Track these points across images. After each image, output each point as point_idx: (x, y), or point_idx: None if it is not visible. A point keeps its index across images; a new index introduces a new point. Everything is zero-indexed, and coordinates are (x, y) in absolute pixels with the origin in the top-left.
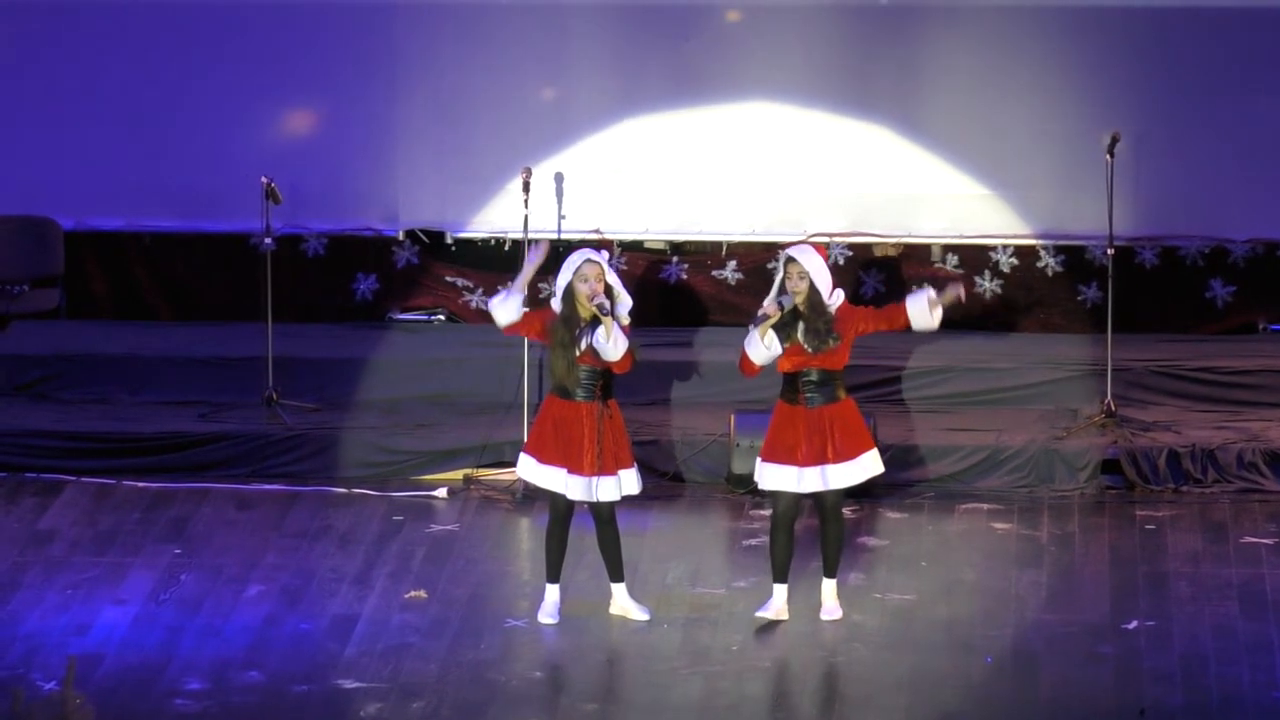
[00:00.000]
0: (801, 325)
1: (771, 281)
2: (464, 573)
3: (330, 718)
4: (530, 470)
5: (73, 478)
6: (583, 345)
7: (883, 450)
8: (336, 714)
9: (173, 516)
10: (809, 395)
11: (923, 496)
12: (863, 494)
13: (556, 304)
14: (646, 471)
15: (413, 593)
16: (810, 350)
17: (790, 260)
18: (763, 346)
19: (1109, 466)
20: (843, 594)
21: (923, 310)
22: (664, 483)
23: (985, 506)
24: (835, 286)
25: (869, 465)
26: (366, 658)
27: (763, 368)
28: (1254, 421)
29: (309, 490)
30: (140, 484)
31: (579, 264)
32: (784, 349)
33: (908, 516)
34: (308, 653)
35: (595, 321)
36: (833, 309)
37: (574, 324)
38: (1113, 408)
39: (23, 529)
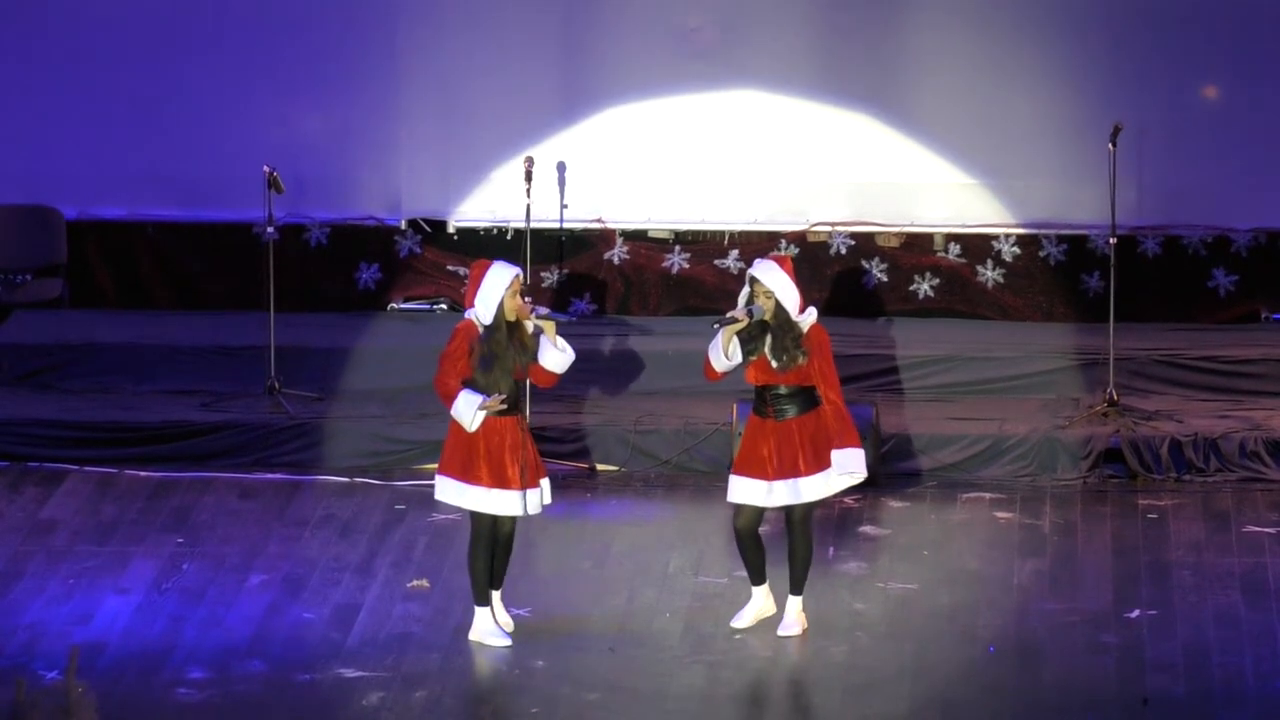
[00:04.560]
0: (769, 340)
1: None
2: (466, 562)
3: (333, 707)
4: (458, 494)
5: (75, 467)
6: (527, 358)
7: (884, 440)
8: (339, 703)
9: (175, 506)
10: (778, 409)
11: (925, 485)
12: (865, 483)
13: (480, 317)
14: (649, 460)
15: (415, 582)
16: (777, 367)
17: (753, 280)
18: (723, 355)
19: (1111, 456)
20: (846, 582)
21: (846, 465)
22: (666, 472)
23: (988, 495)
24: (807, 305)
25: (841, 477)
26: (369, 647)
27: (725, 374)
28: (1256, 410)
29: (311, 479)
30: (142, 473)
31: (509, 278)
32: (751, 361)
33: (910, 505)
34: (310, 642)
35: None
36: (804, 324)
37: (502, 337)
38: (1115, 397)
39: (25, 518)
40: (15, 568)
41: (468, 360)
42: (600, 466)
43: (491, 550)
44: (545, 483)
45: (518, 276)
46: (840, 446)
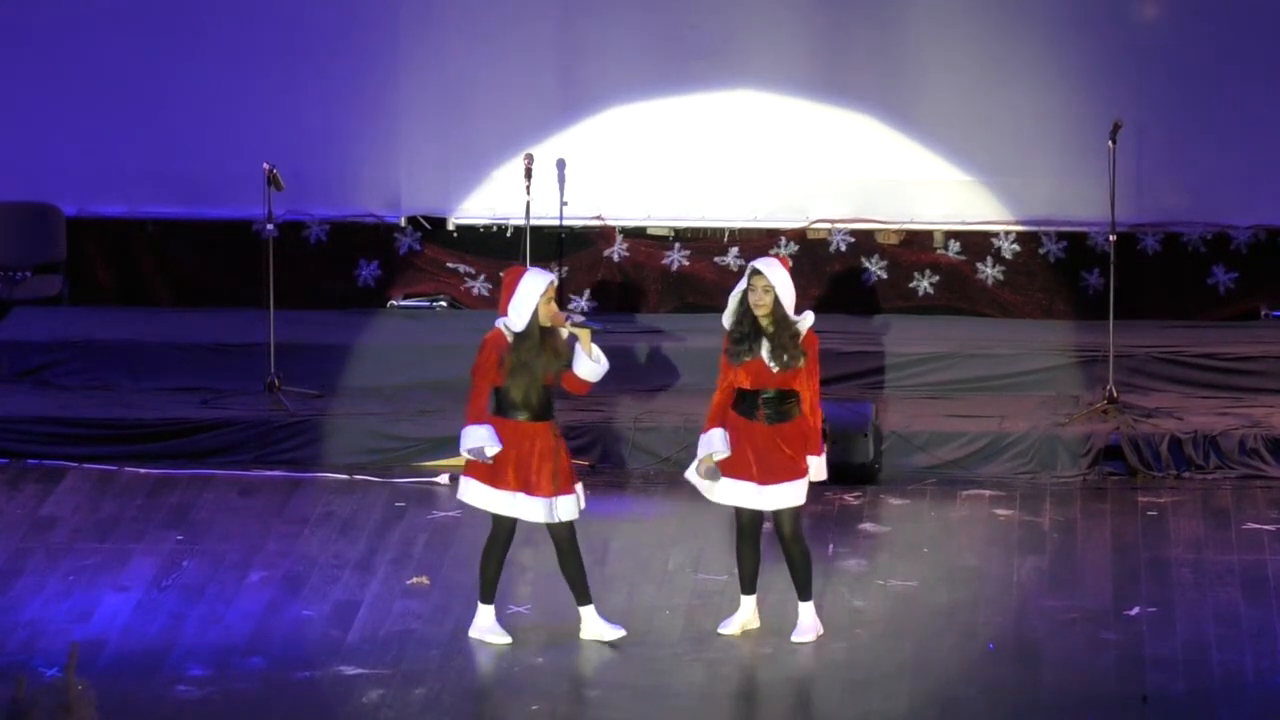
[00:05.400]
0: (767, 343)
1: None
2: (466, 559)
3: (332, 704)
4: (482, 496)
5: (74, 464)
6: (560, 364)
7: (884, 437)
8: (339, 700)
9: (175, 503)
10: (767, 413)
11: (925, 483)
12: (865, 481)
13: (512, 324)
14: (649, 458)
15: (415, 579)
16: (775, 368)
17: (755, 273)
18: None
19: (1111, 453)
20: (845, 580)
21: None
22: (665, 469)
23: (987, 493)
24: (802, 308)
25: (814, 477)
26: (369, 644)
27: None
28: (1256, 408)
29: (311, 476)
30: (142, 470)
31: (544, 285)
32: (744, 363)
33: (910, 503)
34: (310, 639)
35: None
36: (801, 326)
37: (533, 345)
38: (1115, 394)
39: (24, 515)
40: (15, 565)
41: (498, 370)
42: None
43: (502, 553)
44: (579, 488)
45: (552, 283)
46: (814, 454)
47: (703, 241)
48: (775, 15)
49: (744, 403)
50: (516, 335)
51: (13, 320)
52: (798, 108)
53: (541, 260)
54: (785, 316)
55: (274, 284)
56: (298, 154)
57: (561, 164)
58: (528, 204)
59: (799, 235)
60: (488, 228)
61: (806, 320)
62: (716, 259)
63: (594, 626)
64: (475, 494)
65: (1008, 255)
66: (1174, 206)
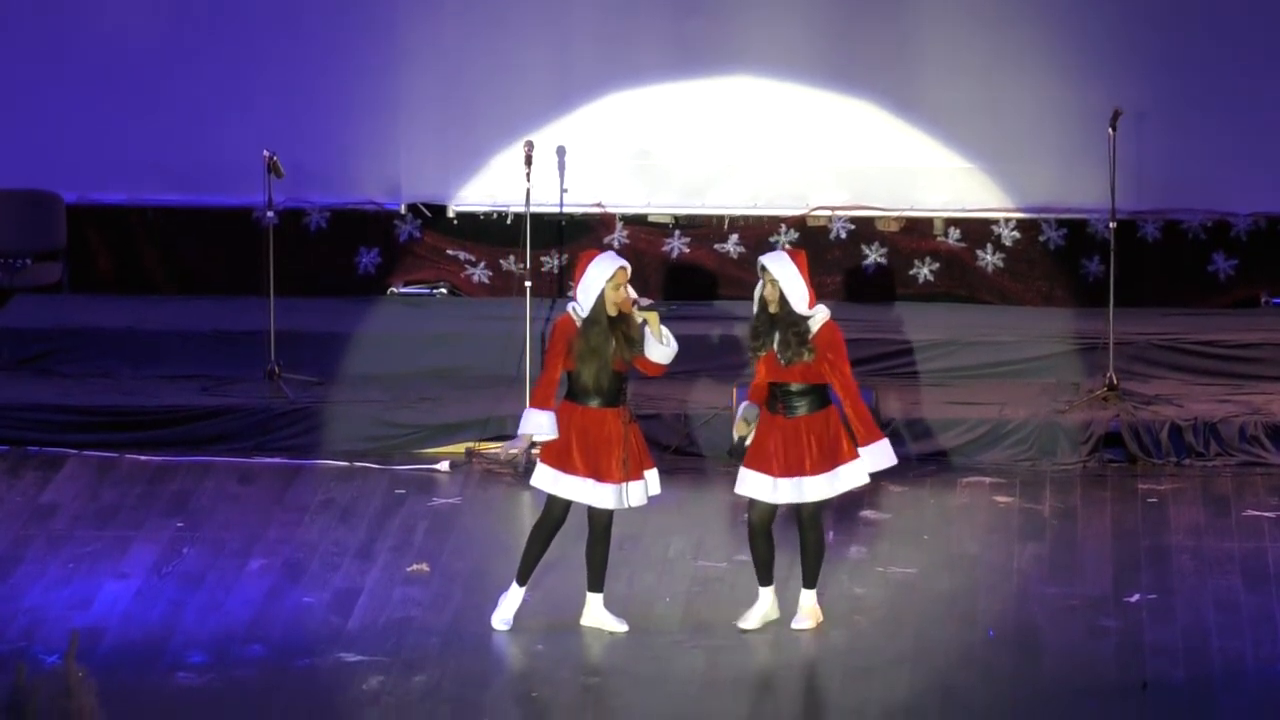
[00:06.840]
0: (777, 335)
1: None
2: (466, 546)
3: (332, 691)
4: (552, 481)
5: (75, 451)
6: (633, 349)
7: (884, 424)
8: (339, 687)
9: (175, 490)
10: (789, 406)
11: (925, 470)
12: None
13: (579, 309)
14: (650, 446)
15: (415, 566)
16: (782, 362)
17: (762, 268)
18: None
19: (1111, 440)
20: (845, 567)
21: (877, 460)
22: (667, 456)
23: (987, 480)
24: (817, 301)
25: (848, 477)
26: (369, 631)
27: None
28: (1256, 395)
29: (311, 464)
30: (142, 458)
31: (611, 271)
32: (760, 356)
33: (910, 490)
34: (310, 626)
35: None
36: (814, 322)
37: (601, 330)
38: (1115, 381)
39: (25, 503)
40: (15, 552)
41: (567, 355)
42: None
43: (548, 536)
44: (652, 474)
45: (621, 269)
46: (866, 443)
47: (703, 229)
48: (775, 2)
49: (770, 396)
50: (584, 320)
51: (13, 308)
52: (798, 94)
53: (542, 248)
54: (791, 312)
55: (274, 271)
56: (297, 142)
57: (561, 151)
58: (528, 191)
59: (799, 222)
60: (488, 215)
61: (819, 316)
62: (717, 246)
63: (597, 614)
64: (546, 480)
65: (1008, 242)
66: (1174, 194)
